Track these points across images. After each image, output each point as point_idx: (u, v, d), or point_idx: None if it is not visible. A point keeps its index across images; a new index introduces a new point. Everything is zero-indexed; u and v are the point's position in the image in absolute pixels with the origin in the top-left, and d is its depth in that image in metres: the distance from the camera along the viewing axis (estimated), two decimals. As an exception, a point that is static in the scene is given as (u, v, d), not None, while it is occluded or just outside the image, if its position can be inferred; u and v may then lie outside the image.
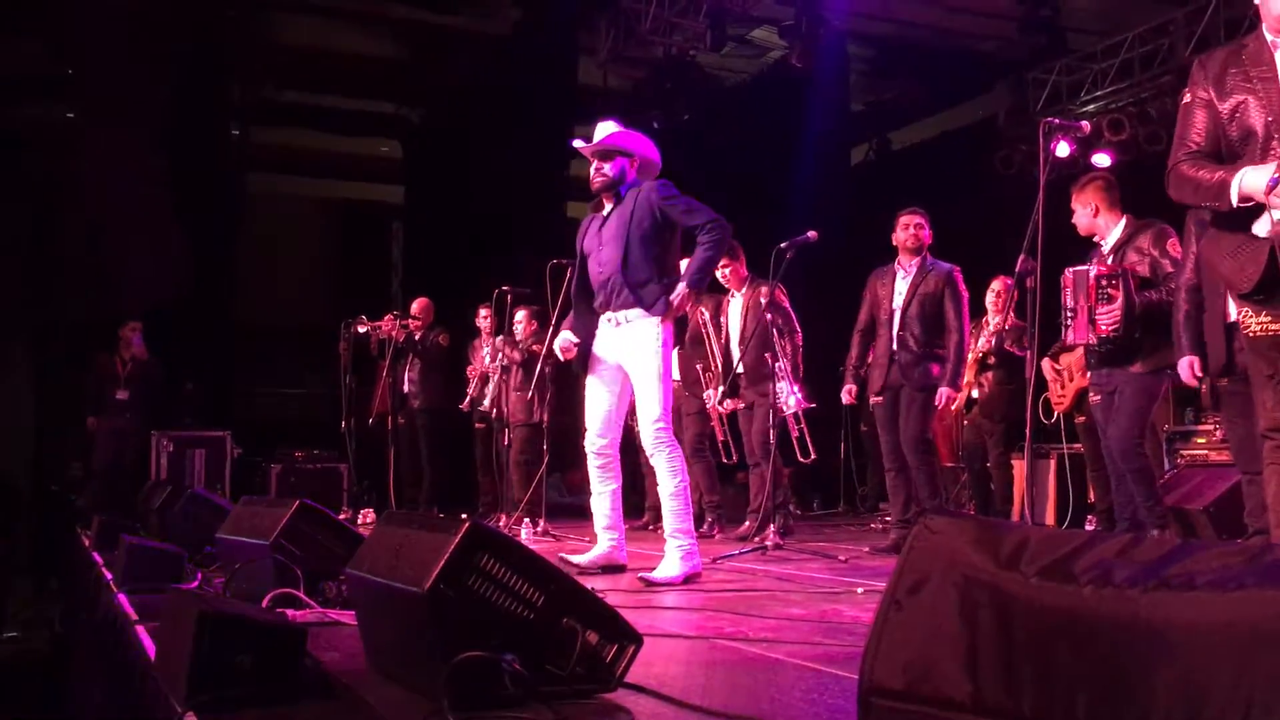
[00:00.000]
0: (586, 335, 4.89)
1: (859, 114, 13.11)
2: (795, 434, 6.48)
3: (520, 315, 8.16)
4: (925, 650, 1.20)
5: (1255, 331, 3.08)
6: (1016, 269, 4.63)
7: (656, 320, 4.63)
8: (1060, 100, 10.66)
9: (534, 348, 8.00)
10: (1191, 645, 0.99)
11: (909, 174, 12.29)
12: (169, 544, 4.59)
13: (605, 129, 4.87)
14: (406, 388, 8.86)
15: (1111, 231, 5.22)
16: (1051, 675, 1.09)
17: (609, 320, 4.79)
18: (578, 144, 4.93)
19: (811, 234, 5.84)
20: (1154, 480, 5.29)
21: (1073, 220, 5.32)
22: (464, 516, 7.30)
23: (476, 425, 8.87)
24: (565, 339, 4.95)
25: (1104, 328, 4.90)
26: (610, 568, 4.86)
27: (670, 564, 4.59)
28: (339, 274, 14.30)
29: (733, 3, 10.11)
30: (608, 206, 4.88)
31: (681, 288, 4.62)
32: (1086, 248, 5.41)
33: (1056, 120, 4.62)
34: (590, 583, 4.19)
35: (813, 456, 6.58)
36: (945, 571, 1.22)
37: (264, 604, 3.22)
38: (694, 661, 2.79)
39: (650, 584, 4.46)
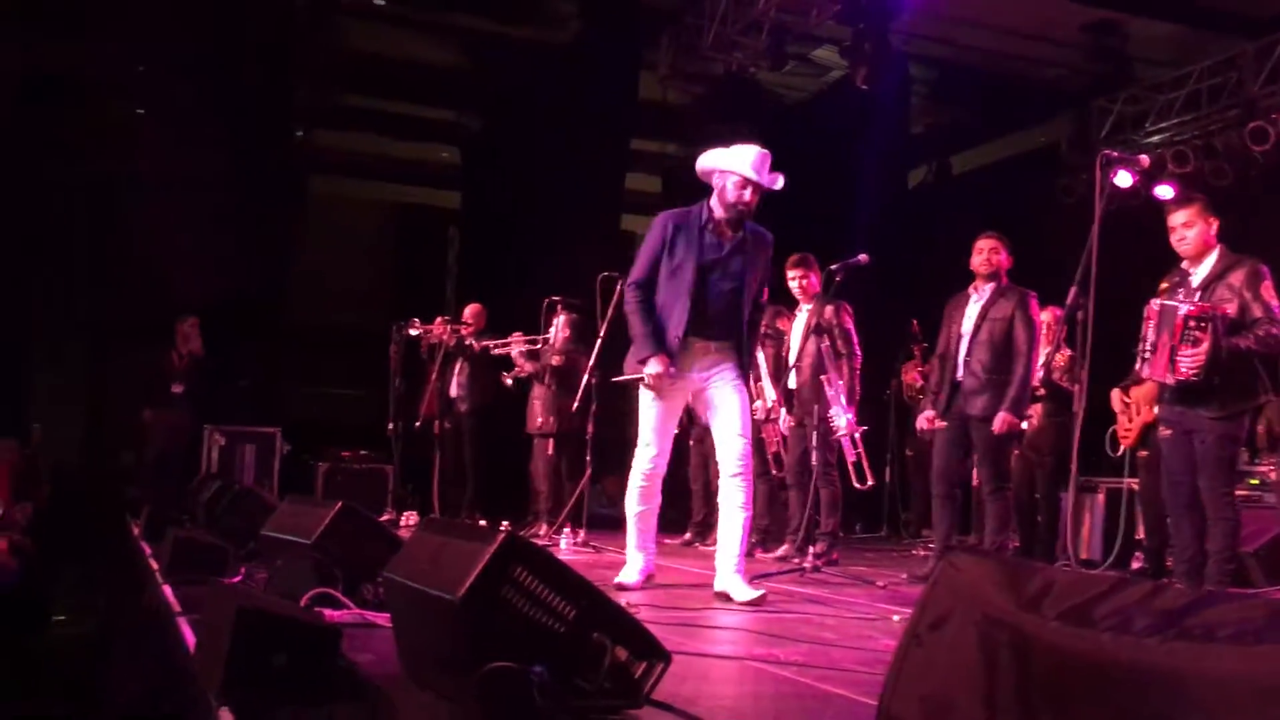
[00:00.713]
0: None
1: (919, 136, 13.03)
2: (852, 459, 6.40)
3: (558, 322, 8.16)
4: (944, 687, 1.20)
5: None
6: (1068, 301, 4.56)
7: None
8: (1124, 130, 10.55)
9: (555, 360, 8.01)
10: (1208, 697, 0.99)
11: (968, 198, 12.19)
12: (215, 538, 4.68)
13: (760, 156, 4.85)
14: (454, 392, 8.92)
15: (1205, 262, 4.94)
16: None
17: (701, 346, 4.78)
18: (769, 183, 4.88)
19: (863, 256, 5.82)
20: (1238, 534, 5.04)
21: (1175, 242, 5.01)
22: (504, 526, 7.35)
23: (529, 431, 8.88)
24: (659, 369, 4.75)
25: (1185, 371, 4.67)
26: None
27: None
28: (394, 277, 14.45)
29: (794, 22, 10.11)
30: (729, 233, 4.83)
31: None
32: (1144, 281, 5.26)
33: (1115, 153, 4.54)
34: (626, 597, 4.23)
35: (870, 483, 6.49)
36: (967, 610, 1.22)
37: (303, 602, 3.27)
38: (723, 681, 2.79)
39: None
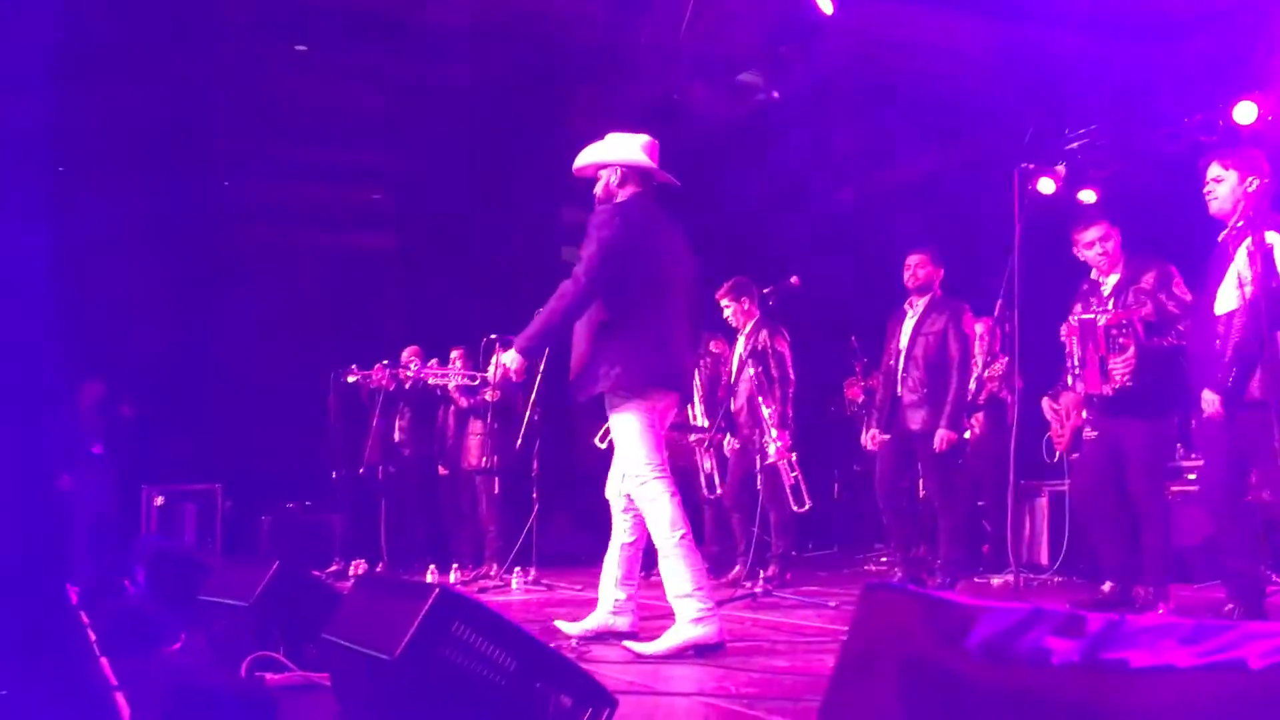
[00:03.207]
0: None
1: (848, 152, 13.15)
2: (789, 482, 6.42)
3: (495, 359, 8.08)
4: (871, 730, 1.19)
5: None
6: (995, 313, 4.61)
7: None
8: (1047, 137, 10.69)
9: (490, 395, 7.93)
10: (1126, 729, 0.99)
11: (900, 213, 12.31)
12: (154, 603, 4.58)
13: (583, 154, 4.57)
14: (398, 437, 8.83)
15: (1111, 273, 5.07)
16: (996, 756, 1.09)
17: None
18: (576, 171, 4.63)
19: (794, 279, 5.86)
20: (1168, 530, 5.07)
21: (1092, 258, 5.09)
22: (454, 568, 7.15)
23: (441, 471, 8.77)
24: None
25: (1119, 378, 4.75)
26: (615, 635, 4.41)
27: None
28: (330, 322, 14.29)
29: (715, 47, 10.19)
30: None
31: (506, 357, 4.33)
32: (1066, 287, 5.34)
33: (1031, 165, 4.61)
34: (569, 640, 4.18)
35: (807, 505, 6.48)
36: (889, 649, 1.21)
37: (244, 667, 3.20)
38: (673, 721, 2.77)
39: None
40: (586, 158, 4.52)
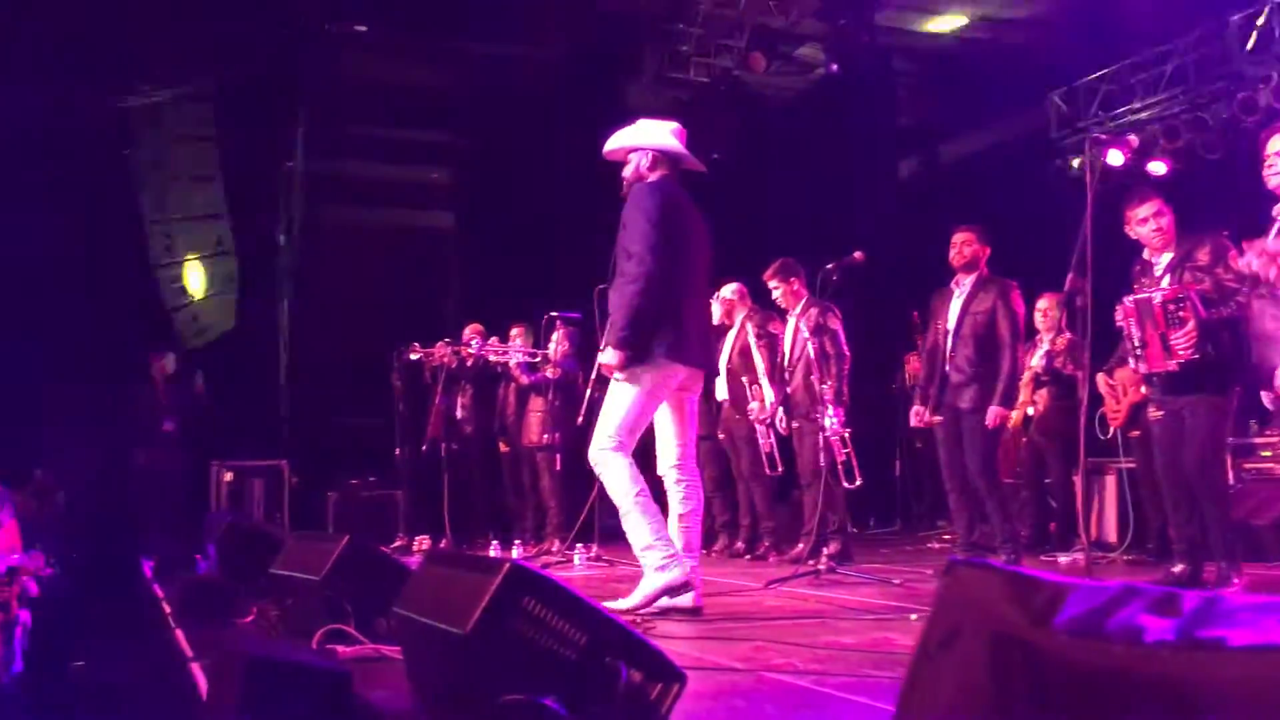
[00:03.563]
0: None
1: (906, 129, 13.01)
2: (841, 458, 6.40)
3: (556, 336, 8.13)
4: (957, 709, 1.18)
5: None
6: (1065, 287, 4.52)
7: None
8: (1112, 107, 10.50)
9: (552, 372, 7.98)
10: (1223, 708, 0.96)
11: (959, 188, 12.16)
12: (225, 577, 4.66)
13: (614, 137, 4.77)
14: (459, 413, 8.90)
15: (1165, 251, 5.02)
16: (1085, 735, 1.07)
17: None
18: (606, 154, 4.84)
19: (858, 254, 5.81)
20: (1228, 504, 5.07)
21: (1146, 234, 5.03)
22: (517, 545, 7.23)
23: (503, 448, 8.85)
24: None
25: (1182, 352, 4.66)
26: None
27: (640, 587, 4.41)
28: (393, 301, 14.42)
29: (775, 22, 10.11)
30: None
31: (606, 356, 4.38)
32: (1121, 264, 5.24)
33: (1103, 135, 4.52)
34: (639, 615, 4.20)
35: (858, 481, 6.45)
36: (975, 626, 1.20)
37: (315, 640, 3.25)
38: (741, 697, 2.76)
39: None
40: (618, 141, 4.72)
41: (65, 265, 10.88)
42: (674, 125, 4.70)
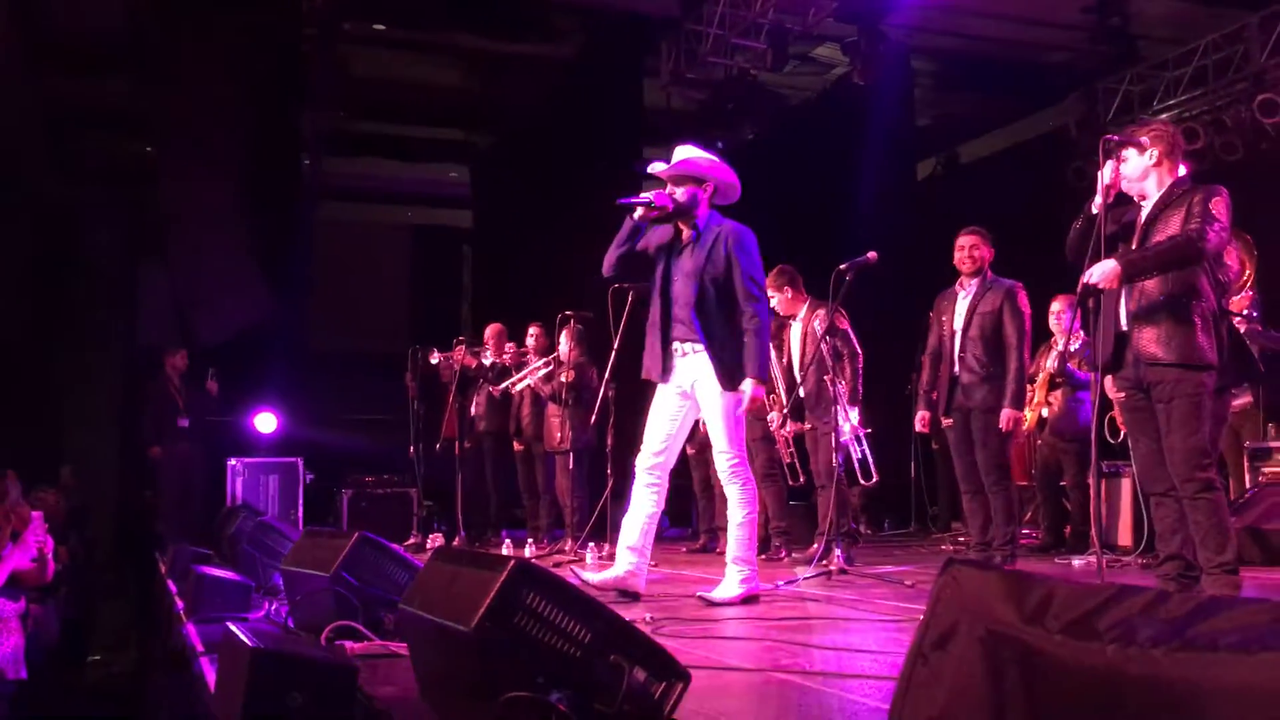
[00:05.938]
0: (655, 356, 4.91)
1: (925, 128, 12.97)
2: (857, 456, 6.39)
3: (563, 338, 8.14)
4: (951, 707, 1.18)
5: None
6: (1079, 288, 4.48)
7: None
8: (1132, 109, 10.45)
9: (566, 376, 8.00)
10: (1215, 708, 0.96)
11: (978, 188, 12.12)
12: (237, 573, 4.69)
13: (681, 153, 4.92)
14: (475, 411, 8.93)
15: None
16: (1079, 735, 1.07)
17: (678, 350, 4.83)
18: (651, 168, 4.97)
19: (871, 255, 5.79)
20: (1222, 503, 4.90)
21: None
22: (530, 545, 7.29)
23: (517, 447, 8.88)
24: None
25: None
26: (624, 593, 4.73)
27: (729, 585, 4.71)
28: (410, 299, 14.48)
29: (794, 22, 10.08)
30: (685, 233, 4.89)
31: (750, 386, 4.68)
32: None
33: (1115, 136, 4.48)
34: (649, 612, 4.20)
35: (874, 479, 6.45)
36: (971, 625, 1.19)
37: (324, 636, 3.27)
38: (745, 697, 2.76)
39: (709, 603, 4.61)
40: (689, 165, 4.86)
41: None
42: (717, 159, 4.98)
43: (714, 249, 4.76)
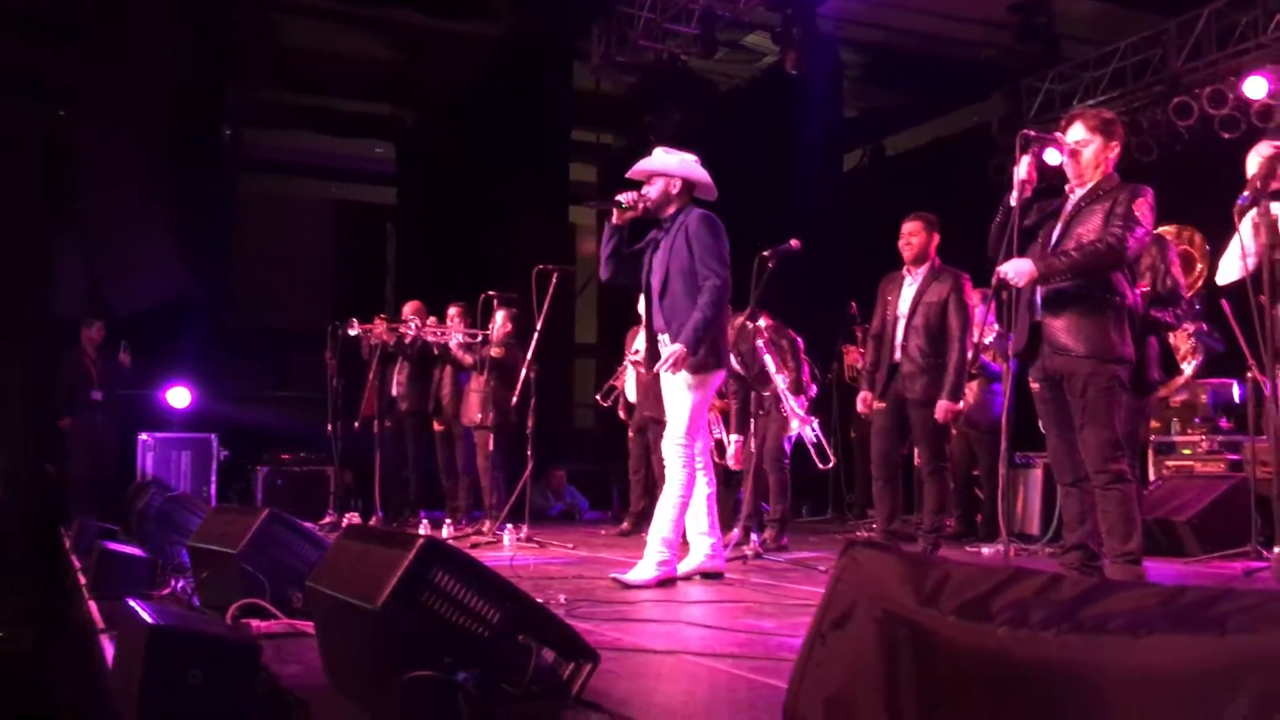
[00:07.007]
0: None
1: (853, 120, 13.09)
2: (811, 441, 6.58)
3: (499, 316, 8.12)
4: (847, 687, 1.18)
5: None
6: (994, 280, 4.54)
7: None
8: (1054, 108, 10.64)
9: (494, 352, 8.00)
10: (1102, 689, 0.97)
11: (903, 180, 12.26)
12: (144, 550, 4.58)
13: (655, 154, 5.12)
14: (395, 391, 8.82)
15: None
16: (972, 718, 1.08)
17: (663, 340, 5.01)
18: (630, 172, 5.15)
19: (794, 242, 5.81)
20: (1134, 492, 5.01)
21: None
22: (447, 525, 7.26)
23: (438, 427, 8.82)
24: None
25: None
26: (710, 575, 4.98)
27: (645, 567, 4.76)
28: (332, 276, 14.26)
29: (724, 8, 10.10)
30: (660, 229, 5.09)
31: (678, 349, 4.77)
32: None
33: (1033, 132, 4.55)
34: (549, 593, 4.20)
35: (831, 463, 6.62)
36: (869, 606, 1.20)
37: (230, 614, 3.20)
38: (656, 677, 2.77)
39: (623, 585, 4.65)
40: (658, 164, 5.05)
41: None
42: (695, 157, 5.11)
43: (677, 239, 4.94)
